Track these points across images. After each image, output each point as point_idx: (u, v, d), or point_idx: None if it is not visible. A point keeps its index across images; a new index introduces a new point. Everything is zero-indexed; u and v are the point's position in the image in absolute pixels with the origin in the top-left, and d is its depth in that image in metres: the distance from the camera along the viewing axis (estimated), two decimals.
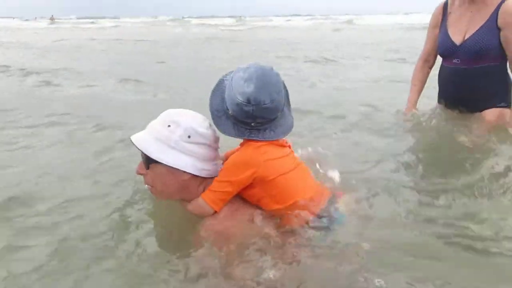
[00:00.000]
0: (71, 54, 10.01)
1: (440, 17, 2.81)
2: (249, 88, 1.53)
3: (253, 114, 1.55)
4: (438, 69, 2.89)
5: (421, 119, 2.90)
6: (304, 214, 1.61)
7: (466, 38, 2.63)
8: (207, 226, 1.59)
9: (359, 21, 30.77)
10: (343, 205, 1.71)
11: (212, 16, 57.04)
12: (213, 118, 1.64)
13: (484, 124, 2.67)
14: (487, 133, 2.61)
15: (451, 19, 2.74)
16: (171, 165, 1.56)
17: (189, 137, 1.57)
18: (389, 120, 3.18)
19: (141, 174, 1.67)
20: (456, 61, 2.69)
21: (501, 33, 2.55)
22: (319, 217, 1.62)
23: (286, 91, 1.69)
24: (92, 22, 38.62)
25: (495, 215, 1.85)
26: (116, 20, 45.28)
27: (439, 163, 2.41)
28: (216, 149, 1.68)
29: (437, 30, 2.83)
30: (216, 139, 1.66)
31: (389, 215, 1.84)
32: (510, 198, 1.99)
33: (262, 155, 1.58)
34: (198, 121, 1.62)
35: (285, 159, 1.64)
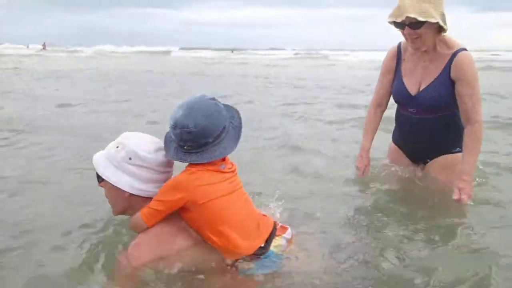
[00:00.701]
0: None
1: (394, 63, 2.74)
2: (178, 113, 1.68)
3: (182, 138, 1.68)
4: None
5: (373, 171, 2.93)
6: (234, 245, 1.70)
7: (421, 89, 2.59)
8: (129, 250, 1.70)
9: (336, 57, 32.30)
10: (281, 242, 1.80)
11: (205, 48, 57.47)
12: (164, 143, 1.78)
13: (437, 170, 2.68)
14: (440, 178, 2.65)
15: (405, 67, 2.69)
16: (110, 182, 1.73)
17: (130, 159, 1.71)
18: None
19: (101, 186, 1.83)
20: (411, 110, 2.66)
21: (455, 86, 2.51)
22: (251, 253, 1.72)
23: (238, 120, 1.80)
24: (75, 51, 39.07)
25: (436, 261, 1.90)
26: (99, 49, 45.71)
27: (391, 210, 2.47)
28: (161, 172, 1.77)
29: (390, 76, 2.76)
30: (162, 163, 1.76)
31: (325, 259, 1.86)
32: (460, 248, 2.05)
33: (194, 181, 1.67)
34: (143, 145, 1.74)
35: (220, 184, 1.71)
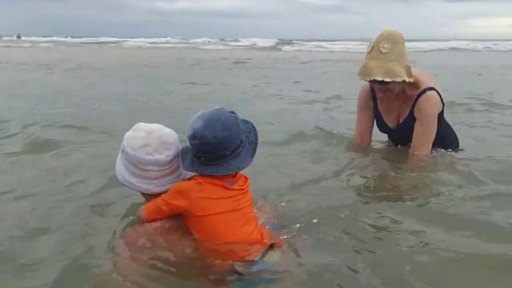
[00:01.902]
0: None
1: (371, 101, 2.98)
2: (197, 124, 1.67)
3: (200, 149, 1.69)
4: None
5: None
6: (223, 259, 1.68)
7: (399, 123, 2.88)
8: (126, 234, 1.82)
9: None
10: (277, 254, 1.74)
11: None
12: (181, 154, 1.78)
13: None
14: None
15: (382, 107, 2.94)
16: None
17: (122, 151, 1.80)
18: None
19: None
20: (395, 136, 3.02)
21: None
22: (238, 265, 1.66)
23: (254, 136, 1.79)
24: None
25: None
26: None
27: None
28: (143, 170, 1.76)
29: (369, 113, 3.01)
30: (142, 161, 1.74)
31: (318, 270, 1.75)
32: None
33: (198, 192, 1.69)
34: (130, 140, 1.77)
35: (223, 200, 1.71)
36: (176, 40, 50.08)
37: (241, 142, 1.71)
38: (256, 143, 1.79)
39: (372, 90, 2.93)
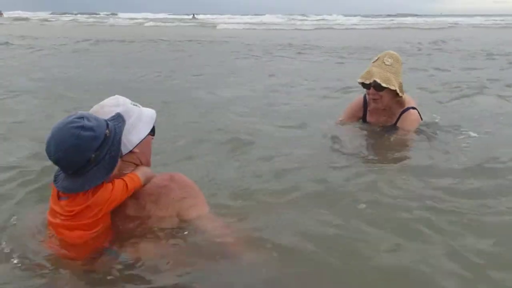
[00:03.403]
0: None
1: (361, 112, 3.47)
2: (49, 134, 1.57)
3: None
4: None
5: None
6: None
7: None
8: None
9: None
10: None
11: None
12: None
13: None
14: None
15: (370, 118, 3.43)
16: None
17: None
18: None
19: None
20: None
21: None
22: None
23: (116, 149, 1.61)
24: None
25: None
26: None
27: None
28: None
29: (356, 119, 3.51)
30: None
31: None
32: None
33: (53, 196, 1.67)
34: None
35: (50, 211, 1.67)
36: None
37: (88, 161, 1.55)
38: (116, 158, 1.61)
39: (364, 104, 3.43)
